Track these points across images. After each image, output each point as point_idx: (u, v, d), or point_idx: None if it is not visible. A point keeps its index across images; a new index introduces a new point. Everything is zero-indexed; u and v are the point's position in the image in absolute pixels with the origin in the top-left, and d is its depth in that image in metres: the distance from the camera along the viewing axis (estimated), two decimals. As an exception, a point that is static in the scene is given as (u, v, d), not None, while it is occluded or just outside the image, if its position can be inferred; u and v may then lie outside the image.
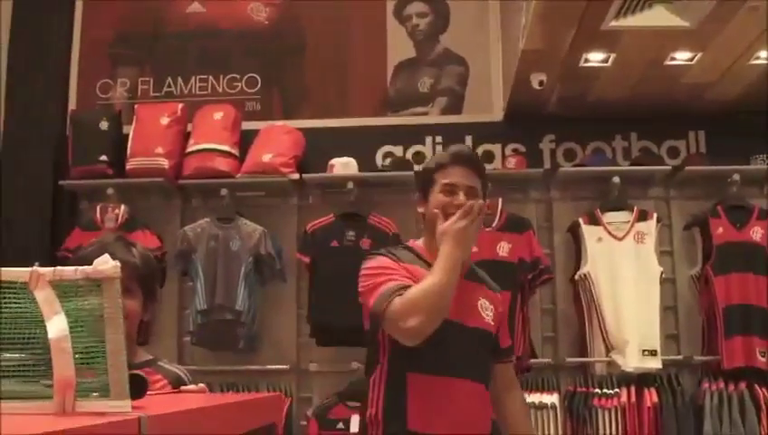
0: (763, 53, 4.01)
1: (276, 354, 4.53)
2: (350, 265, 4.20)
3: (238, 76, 4.99)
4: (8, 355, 0.99)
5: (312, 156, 4.69)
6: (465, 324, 2.36)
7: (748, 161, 4.56)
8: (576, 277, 4.37)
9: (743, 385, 4.15)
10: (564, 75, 4.24)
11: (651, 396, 4.13)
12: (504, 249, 4.28)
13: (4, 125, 4.78)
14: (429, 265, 2.31)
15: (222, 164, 4.53)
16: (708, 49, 3.94)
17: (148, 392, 1.47)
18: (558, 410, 4.25)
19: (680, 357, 4.38)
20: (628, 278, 4.25)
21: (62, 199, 4.74)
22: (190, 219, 4.62)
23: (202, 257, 4.39)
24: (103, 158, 4.57)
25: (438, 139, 4.80)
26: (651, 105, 4.58)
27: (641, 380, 4.19)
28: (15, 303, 0.92)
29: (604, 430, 4.10)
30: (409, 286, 2.22)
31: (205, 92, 4.97)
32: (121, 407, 0.91)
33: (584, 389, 4.25)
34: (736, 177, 4.40)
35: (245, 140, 4.70)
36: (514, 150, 4.74)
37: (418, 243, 2.53)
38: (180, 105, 4.74)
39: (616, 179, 4.42)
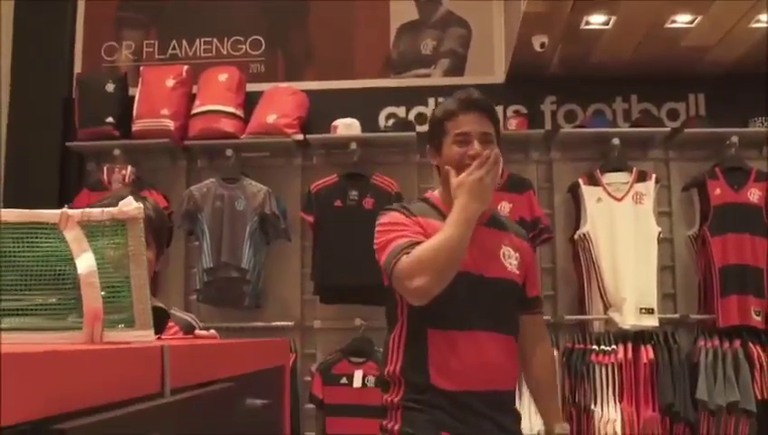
0: (762, 17, 4.04)
1: (281, 311, 4.63)
2: (353, 224, 4.37)
3: (242, 39, 5.03)
4: (37, 294, 1.06)
5: (316, 117, 4.75)
6: (486, 275, 2.27)
7: (747, 124, 4.60)
8: (575, 237, 4.45)
9: (737, 343, 4.24)
10: (566, 37, 4.28)
11: (647, 353, 4.21)
12: (504, 209, 4.34)
13: (11, 88, 4.83)
14: (445, 217, 2.22)
15: (227, 125, 4.59)
16: (708, 12, 3.98)
17: (162, 337, 1.55)
18: (557, 365, 4.34)
19: (677, 315, 4.47)
20: (627, 238, 4.33)
21: (69, 161, 4.81)
22: (196, 180, 4.69)
23: (208, 217, 4.47)
24: (110, 119, 4.63)
25: (441, 100, 4.83)
26: (652, 67, 4.62)
27: (638, 337, 4.27)
28: (46, 242, 1.00)
29: (601, 384, 4.19)
30: (419, 242, 2.15)
31: (209, 55, 5.01)
32: (146, 336, 0.98)
33: (582, 346, 4.33)
34: (735, 139, 4.46)
35: (250, 102, 4.75)
36: (516, 112, 4.79)
37: (435, 194, 2.44)
38: (185, 67, 4.78)
39: (616, 141, 4.48)
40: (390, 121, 4.81)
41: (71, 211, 1.00)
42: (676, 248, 4.59)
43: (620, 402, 4.16)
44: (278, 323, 4.55)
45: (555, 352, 4.38)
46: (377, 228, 2.31)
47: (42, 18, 4.94)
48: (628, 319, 4.20)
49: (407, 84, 4.94)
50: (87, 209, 1.01)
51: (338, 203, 4.45)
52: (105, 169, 4.56)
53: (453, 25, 5.01)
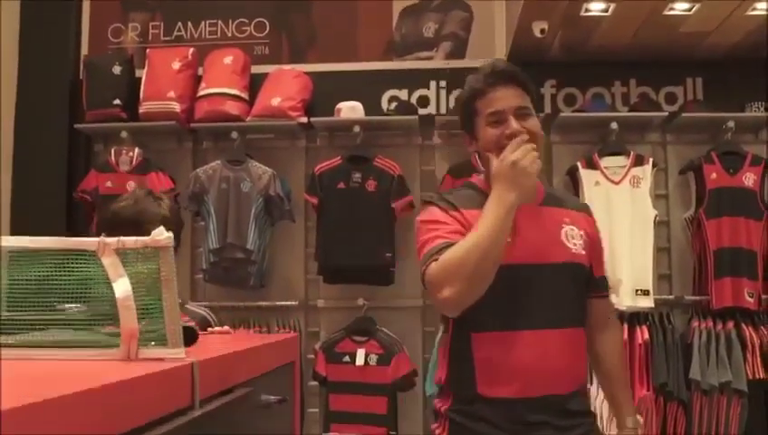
0: (759, 5, 4.11)
1: (285, 291, 4.74)
2: (355, 206, 4.48)
3: (247, 21, 5.09)
4: (74, 305, 1.16)
5: (320, 99, 4.83)
6: (546, 263, 2.04)
7: (743, 109, 4.68)
8: (573, 220, 4.53)
9: (730, 324, 4.35)
10: (565, 23, 4.35)
11: (642, 333, 4.32)
12: (504, 193, 4.43)
13: (19, 70, 4.90)
14: None
15: (232, 108, 4.67)
16: (705, 0, 4.06)
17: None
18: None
19: (672, 297, 4.57)
20: (624, 221, 4.42)
21: (77, 142, 4.89)
22: (202, 161, 4.78)
23: (214, 198, 4.56)
24: (117, 101, 4.71)
25: (442, 83, 4.93)
26: (650, 52, 4.69)
27: (633, 318, 4.38)
28: (85, 267, 1.09)
29: (597, 365, 4.30)
30: (454, 244, 1.96)
31: (214, 37, 5.08)
32: (177, 353, 1.09)
33: (579, 326, 4.43)
34: (731, 123, 4.53)
35: (254, 84, 4.82)
36: (516, 96, 4.86)
37: (481, 177, 2.21)
38: (191, 50, 4.86)
39: (614, 125, 4.55)
40: (393, 104, 4.88)
41: (108, 239, 1.09)
42: (673, 231, 4.69)
43: (615, 381, 4.27)
44: (282, 303, 4.66)
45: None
46: (416, 226, 2.13)
47: (48, 0, 5.00)
48: (625, 300, 4.31)
49: (409, 67, 5.00)
50: (122, 238, 1.10)
51: (341, 185, 4.54)
52: (113, 151, 4.65)
53: (455, 8, 5.07)
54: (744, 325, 4.34)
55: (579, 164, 4.56)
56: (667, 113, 4.66)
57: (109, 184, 4.56)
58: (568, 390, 2.04)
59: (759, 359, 4.27)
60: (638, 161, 4.54)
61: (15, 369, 0.95)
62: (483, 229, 1.92)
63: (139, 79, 4.80)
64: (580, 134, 4.78)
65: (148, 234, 2.03)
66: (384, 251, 4.46)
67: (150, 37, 5.12)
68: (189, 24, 5.11)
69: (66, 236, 4.32)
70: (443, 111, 4.87)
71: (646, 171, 4.52)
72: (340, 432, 4.37)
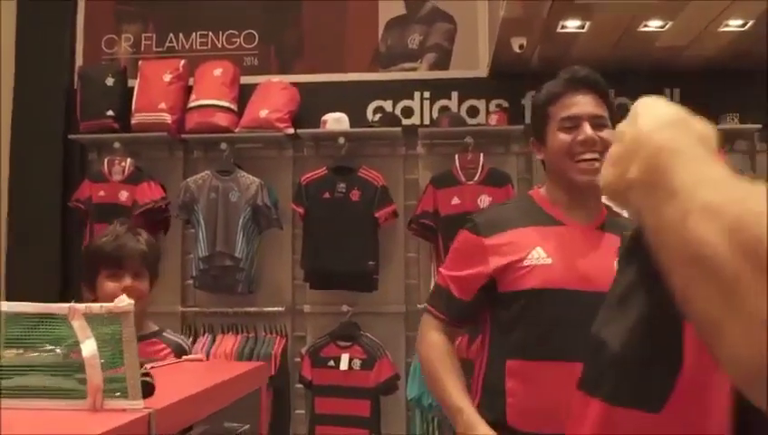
0: (731, 21, 4.24)
1: (273, 297, 4.89)
2: (340, 216, 4.64)
3: (237, 32, 5.23)
4: (48, 354, 1.32)
5: (307, 109, 4.97)
6: (589, 290, 1.81)
7: (718, 120, 4.82)
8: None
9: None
10: (543, 39, 4.48)
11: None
12: (484, 202, 4.58)
13: (16, 80, 5.04)
14: (548, 220, 2.02)
15: (221, 119, 4.82)
16: (678, 18, 4.18)
17: (155, 362, 1.82)
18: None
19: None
20: (600, 230, 4.55)
21: (72, 151, 5.05)
22: (192, 170, 4.93)
23: (203, 208, 4.72)
24: (110, 112, 4.86)
25: (426, 94, 5.07)
26: (629, 65, 4.82)
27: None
28: (57, 328, 1.25)
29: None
30: (449, 293, 2.05)
31: (205, 48, 5.22)
32: (136, 405, 1.24)
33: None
34: (706, 135, 4.66)
35: (244, 94, 4.97)
36: (498, 106, 5.01)
37: (542, 192, 2.13)
38: (182, 62, 5.00)
39: (591, 136, 4.69)
40: (378, 115, 5.02)
41: (77, 305, 1.25)
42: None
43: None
44: (270, 309, 4.82)
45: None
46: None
47: (44, 11, 5.13)
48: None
49: (394, 78, 5.14)
50: (90, 305, 1.26)
51: (326, 195, 4.69)
52: (106, 160, 4.80)
53: (439, 20, 5.20)
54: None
55: (556, 175, 4.69)
56: (642, 125, 4.78)
57: (102, 193, 4.71)
58: None
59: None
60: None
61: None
62: (439, 394, 2.04)
63: (132, 90, 4.95)
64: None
65: (128, 268, 2.20)
66: (367, 259, 4.61)
67: (143, 48, 5.27)
68: (181, 35, 5.25)
69: (61, 238, 4.48)
70: (426, 121, 5.01)
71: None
72: (325, 434, 4.53)
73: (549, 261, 1.93)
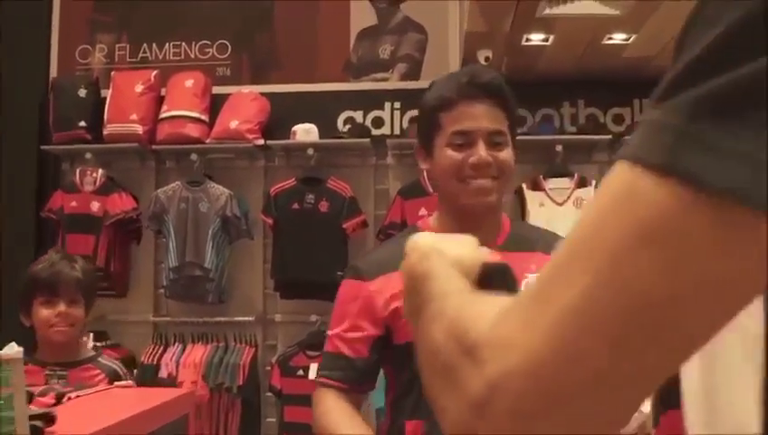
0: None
1: (244, 306, 4.94)
2: (309, 226, 4.68)
3: (209, 42, 5.27)
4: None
5: (278, 119, 4.99)
6: None
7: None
8: (519, 239, 4.71)
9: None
10: (509, 52, 4.52)
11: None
12: (452, 213, 4.62)
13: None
14: None
15: (192, 130, 4.86)
16: (642, 31, 4.21)
17: (80, 390, 1.86)
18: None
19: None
20: (566, 242, 4.59)
21: (46, 162, 5.10)
22: (164, 180, 4.97)
23: (173, 218, 4.76)
24: (82, 124, 4.90)
25: (397, 104, 5.11)
26: (597, 75, 4.86)
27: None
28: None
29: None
30: (344, 357, 1.75)
31: (178, 58, 5.26)
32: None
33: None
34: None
35: (217, 104, 5.00)
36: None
37: (431, 221, 1.85)
38: (153, 72, 5.04)
39: (559, 148, 4.73)
40: (348, 126, 5.06)
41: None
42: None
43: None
44: (241, 318, 4.86)
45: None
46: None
47: (18, 21, 5.16)
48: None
49: (365, 88, 5.18)
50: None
51: (295, 206, 4.73)
52: (78, 171, 4.84)
53: (410, 31, 5.23)
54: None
55: (523, 185, 4.74)
56: (610, 136, 4.83)
57: (74, 204, 4.76)
58: None
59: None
60: (582, 183, 4.72)
61: None
62: None
63: (104, 100, 4.99)
64: (528, 155, 4.92)
65: (63, 295, 2.24)
66: (336, 269, 4.65)
67: (117, 58, 5.31)
68: (154, 45, 5.29)
69: (35, 250, 4.51)
70: (397, 131, 5.05)
71: (590, 193, 4.69)
72: (293, 443, 4.58)
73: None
